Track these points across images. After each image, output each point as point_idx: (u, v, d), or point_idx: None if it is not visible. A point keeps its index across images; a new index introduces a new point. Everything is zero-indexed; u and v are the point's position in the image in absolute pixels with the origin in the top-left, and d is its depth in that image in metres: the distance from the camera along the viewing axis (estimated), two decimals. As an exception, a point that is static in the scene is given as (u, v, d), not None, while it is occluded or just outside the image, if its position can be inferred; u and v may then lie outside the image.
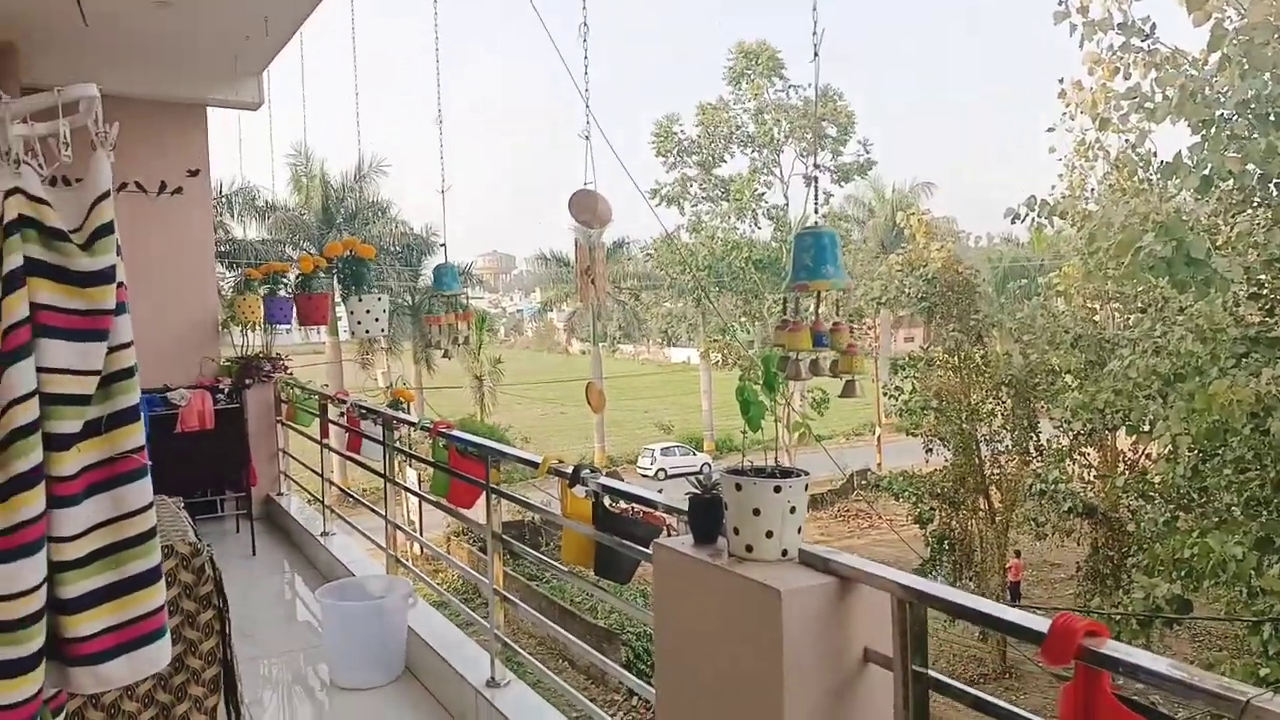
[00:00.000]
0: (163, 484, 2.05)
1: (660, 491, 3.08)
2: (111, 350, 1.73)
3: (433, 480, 4.63)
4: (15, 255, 1.62)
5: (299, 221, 31.02)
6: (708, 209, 36.07)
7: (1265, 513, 9.88)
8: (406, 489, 6.48)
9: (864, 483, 29.28)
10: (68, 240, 1.69)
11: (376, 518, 5.81)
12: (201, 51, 7.28)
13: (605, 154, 3.63)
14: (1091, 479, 17.37)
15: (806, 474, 2.22)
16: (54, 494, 1.63)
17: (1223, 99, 8.52)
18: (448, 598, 5.20)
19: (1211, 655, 15.85)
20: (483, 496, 4.15)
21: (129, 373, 1.76)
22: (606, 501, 3.10)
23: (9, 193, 1.66)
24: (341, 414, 6.38)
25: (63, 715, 1.86)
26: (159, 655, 1.80)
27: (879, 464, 32.68)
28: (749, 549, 2.17)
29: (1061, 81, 10.80)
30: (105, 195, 1.74)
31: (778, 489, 2.15)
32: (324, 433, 7.15)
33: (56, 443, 1.64)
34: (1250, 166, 8.50)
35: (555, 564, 3.77)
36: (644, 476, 34.48)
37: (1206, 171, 8.46)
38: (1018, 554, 20.59)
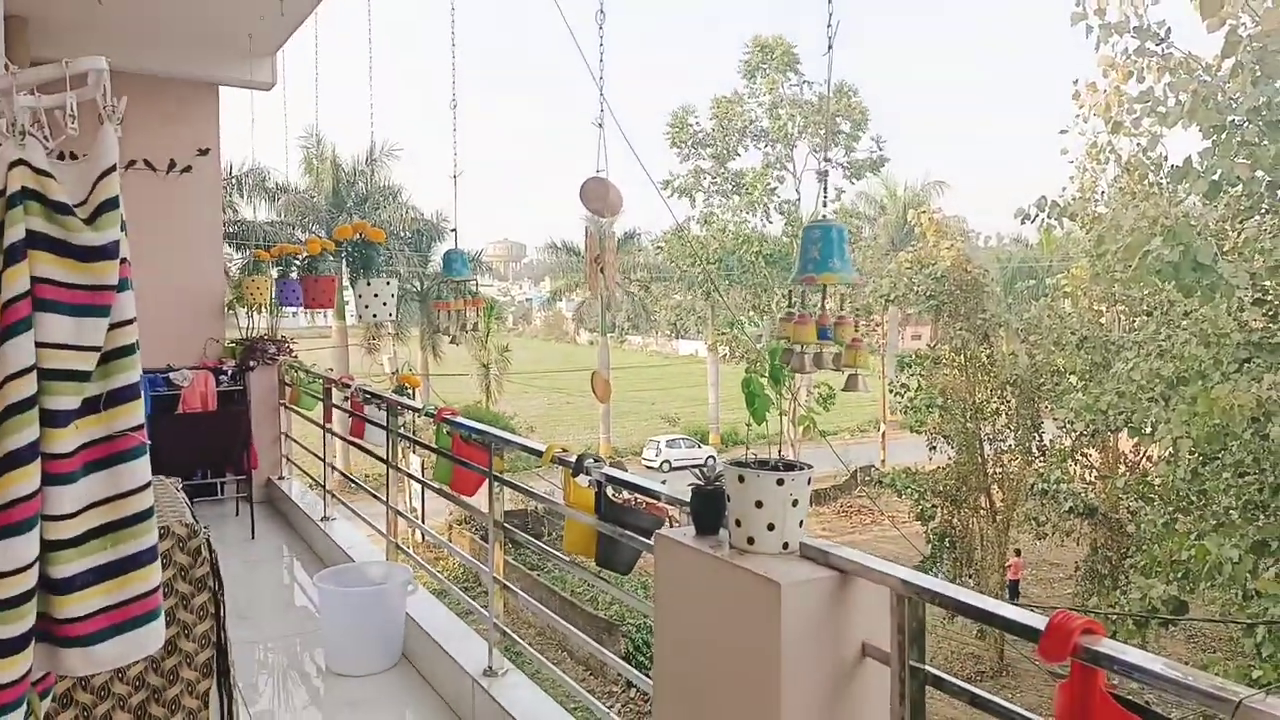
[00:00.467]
0: (162, 464, 2.03)
1: (664, 483, 3.06)
2: (113, 327, 1.70)
3: (436, 466, 4.62)
4: (17, 228, 1.60)
5: (309, 204, 31.01)
6: (720, 202, 35.92)
7: (1263, 516, 9.93)
8: (409, 475, 6.47)
9: (867, 479, 29.22)
10: (71, 214, 1.66)
11: (378, 504, 5.79)
12: (215, 30, 7.28)
13: (618, 143, 3.61)
14: (1092, 480, 17.42)
15: (810, 467, 2.21)
16: (50, 471, 1.61)
17: (1235, 105, 8.51)
18: (448, 586, 5.20)
19: (1206, 656, 15.90)
20: (485, 484, 4.14)
21: (130, 350, 1.74)
22: (609, 491, 3.09)
23: (13, 164, 1.63)
24: (345, 399, 6.38)
25: (50, 697, 1.83)
26: (152, 638, 1.78)
27: (883, 460, 32.65)
28: (750, 541, 2.16)
29: (1076, 83, 10.76)
30: (111, 170, 1.71)
31: (781, 481, 2.14)
32: (327, 417, 7.14)
33: (54, 419, 1.61)
34: (1259, 173, 8.54)
35: (557, 553, 3.76)
36: (648, 468, 34.50)
37: (1216, 177, 8.49)
38: (1018, 552, 20.63)
